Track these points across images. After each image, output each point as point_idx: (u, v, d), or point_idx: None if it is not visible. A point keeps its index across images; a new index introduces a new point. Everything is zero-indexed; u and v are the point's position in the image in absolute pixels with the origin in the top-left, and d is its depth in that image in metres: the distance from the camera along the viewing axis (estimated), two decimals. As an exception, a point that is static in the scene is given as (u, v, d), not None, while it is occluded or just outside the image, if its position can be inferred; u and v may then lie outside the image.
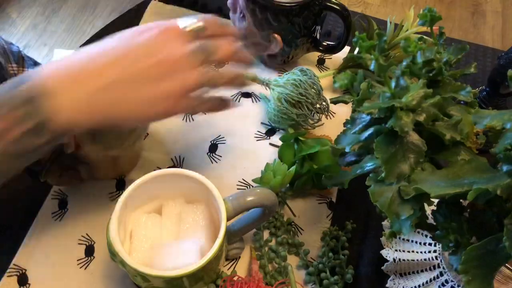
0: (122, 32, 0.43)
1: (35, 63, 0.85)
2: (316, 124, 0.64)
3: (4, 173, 0.40)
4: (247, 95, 0.69)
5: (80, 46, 0.74)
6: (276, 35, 0.63)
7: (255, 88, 0.70)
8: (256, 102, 0.68)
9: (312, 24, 0.65)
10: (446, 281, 0.52)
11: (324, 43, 0.69)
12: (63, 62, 0.41)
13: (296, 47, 0.67)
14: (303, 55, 0.72)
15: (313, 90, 0.62)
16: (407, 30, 0.66)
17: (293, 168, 0.56)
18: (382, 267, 0.54)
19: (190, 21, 0.44)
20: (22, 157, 0.40)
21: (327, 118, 0.67)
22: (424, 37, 0.57)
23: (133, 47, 0.42)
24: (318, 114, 0.64)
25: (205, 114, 0.50)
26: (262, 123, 0.66)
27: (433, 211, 0.41)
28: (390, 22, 0.67)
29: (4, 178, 0.41)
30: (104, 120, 0.41)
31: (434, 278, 0.52)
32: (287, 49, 0.66)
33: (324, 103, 0.63)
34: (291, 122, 0.62)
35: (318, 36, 0.68)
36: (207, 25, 0.44)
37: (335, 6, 0.63)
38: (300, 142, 0.60)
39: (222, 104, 0.49)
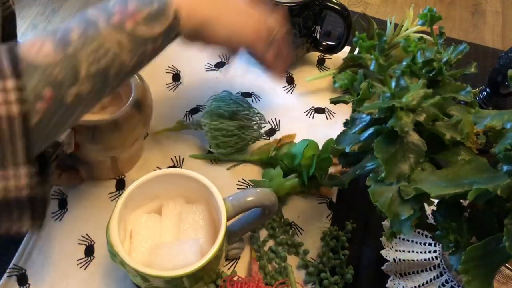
0: None
1: None
2: (262, 132, 0.61)
3: (133, 62, 0.43)
4: (247, 95, 0.69)
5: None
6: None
7: (255, 89, 0.70)
8: (257, 101, 0.68)
9: (312, 24, 0.65)
10: (446, 281, 0.52)
11: (324, 43, 0.69)
12: None
13: (297, 48, 0.67)
14: (304, 55, 0.71)
15: (243, 103, 0.60)
16: (407, 29, 0.66)
17: (289, 182, 0.57)
18: (382, 267, 0.54)
19: None
20: (144, 45, 0.43)
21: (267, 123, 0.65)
22: (424, 36, 0.57)
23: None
24: (259, 123, 0.61)
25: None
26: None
27: (433, 211, 0.41)
28: (390, 22, 0.67)
29: (137, 67, 0.44)
30: (208, 21, 0.47)
31: (434, 278, 0.52)
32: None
33: (258, 113, 0.61)
34: (232, 138, 0.59)
35: (318, 36, 0.68)
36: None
37: (335, 6, 0.63)
38: (280, 162, 0.59)
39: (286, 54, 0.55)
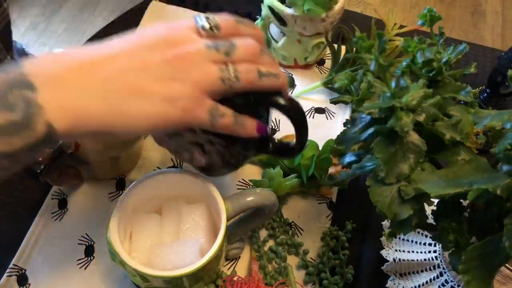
0: (130, 32, 0.38)
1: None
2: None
3: None
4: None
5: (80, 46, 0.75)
6: (197, 153, 0.44)
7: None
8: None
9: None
10: (446, 281, 0.52)
11: (269, 148, 0.47)
12: (61, 54, 0.35)
13: (244, 160, 0.47)
14: (253, 158, 0.60)
15: None
16: (388, 33, 0.67)
17: (289, 182, 0.57)
18: (382, 267, 0.54)
19: (204, 19, 0.39)
20: (7, 157, 0.32)
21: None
22: (420, 37, 0.57)
23: (147, 38, 0.37)
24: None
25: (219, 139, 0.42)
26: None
27: (433, 211, 0.41)
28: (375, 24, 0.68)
29: None
30: (103, 123, 0.34)
31: (434, 278, 0.52)
32: (216, 161, 0.44)
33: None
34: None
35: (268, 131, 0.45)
36: (223, 24, 0.39)
37: (281, 103, 0.42)
38: (280, 162, 0.58)
39: (239, 125, 0.40)
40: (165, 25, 0.38)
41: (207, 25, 0.38)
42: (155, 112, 0.35)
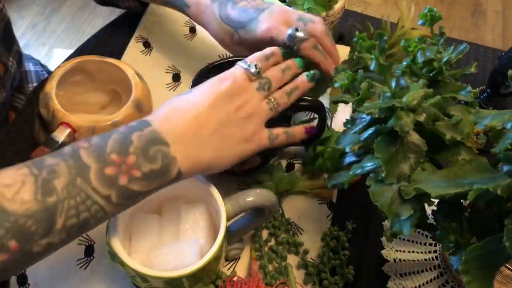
0: (204, 84, 0.48)
1: (33, 58, 0.85)
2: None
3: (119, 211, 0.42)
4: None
5: (80, 46, 0.75)
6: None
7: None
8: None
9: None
10: (446, 281, 0.52)
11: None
12: (178, 109, 0.45)
13: (274, 155, 0.61)
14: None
15: None
16: (402, 27, 0.66)
17: (290, 177, 0.57)
18: (383, 267, 0.54)
19: (253, 66, 0.49)
20: (134, 198, 0.41)
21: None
22: (426, 34, 0.57)
23: (222, 93, 0.47)
24: None
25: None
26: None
27: (433, 211, 0.41)
28: (385, 21, 0.67)
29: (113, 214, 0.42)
30: (209, 165, 0.45)
31: (434, 278, 0.52)
32: (264, 160, 0.58)
33: None
34: None
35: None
36: (263, 66, 0.50)
37: (305, 103, 0.55)
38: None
39: (291, 136, 0.53)
40: (226, 79, 0.48)
41: (255, 72, 0.49)
42: (241, 151, 0.47)
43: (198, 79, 0.57)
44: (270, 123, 0.52)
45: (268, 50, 0.52)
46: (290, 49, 0.53)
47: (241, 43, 0.57)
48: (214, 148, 0.45)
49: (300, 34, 0.53)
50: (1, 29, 0.68)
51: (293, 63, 0.53)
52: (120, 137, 0.41)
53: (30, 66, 0.82)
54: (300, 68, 0.53)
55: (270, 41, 0.54)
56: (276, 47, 0.53)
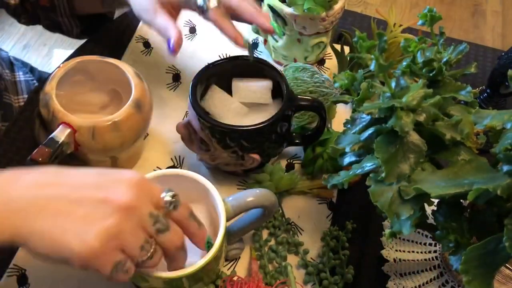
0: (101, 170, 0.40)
1: (23, 64, 0.85)
2: (335, 91, 0.62)
3: None
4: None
5: (80, 46, 0.75)
6: (253, 155, 0.55)
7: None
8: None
9: (286, 130, 0.58)
10: (447, 281, 0.52)
11: (297, 140, 0.61)
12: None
13: (274, 155, 0.61)
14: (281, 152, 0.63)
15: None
16: (391, 31, 0.66)
17: (289, 177, 0.57)
18: (382, 267, 0.54)
19: (169, 195, 0.40)
20: None
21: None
22: (410, 36, 0.57)
23: (93, 180, 0.38)
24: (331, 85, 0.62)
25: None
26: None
27: (433, 211, 0.41)
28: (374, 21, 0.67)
29: None
30: (13, 237, 0.35)
31: (434, 278, 0.52)
32: (264, 160, 0.58)
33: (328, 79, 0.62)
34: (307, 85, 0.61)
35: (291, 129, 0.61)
36: (179, 210, 0.41)
37: (306, 103, 0.56)
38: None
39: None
40: (136, 183, 0.38)
41: (168, 200, 0.40)
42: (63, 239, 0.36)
43: (198, 80, 0.57)
44: (271, 124, 0.53)
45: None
46: (200, 11, 0.55)
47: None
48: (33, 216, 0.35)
49: (211, 2, 0.54)
50: None
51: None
52: None
53: (20, 76, 0.80)
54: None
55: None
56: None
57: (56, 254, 0.36)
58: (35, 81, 0.81)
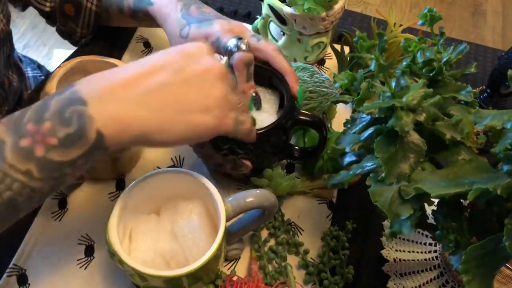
0: (166, 50, 0.43)
1: (31, 60, 0.85)
2: (336, 91, 0.61)
3: (45, 189, 0.37)
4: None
5: (80, 46, 0.75)
6: (244, 161, 0.54)
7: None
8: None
9: (284, 141, 0.56)
10: (446, 281, 0.52)
11: (296, 153, 0.59)
12: (108, 72, 0.40)
13: (269, 165, 0.58)
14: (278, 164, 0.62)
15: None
16: (391, 31, 0.67)
17: (288, 182, 0.57)
18: (383, 267, 0.54)
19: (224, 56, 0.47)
20: (59, 169, 0.36)
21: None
22: (410, 36, 0.57)
23: (180, 58, 0.41)
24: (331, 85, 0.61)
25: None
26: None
27: (433, 211, 0.41)
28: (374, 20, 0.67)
29: (43, 196, 0.38)
30: (146, 131, 0.39)
31: (434, 278, 0.52)
32: (258, 168, 0.56)
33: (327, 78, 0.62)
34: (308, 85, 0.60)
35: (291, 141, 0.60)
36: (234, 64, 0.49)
37: (307, 119, 0.54)
38: (308, 133, 0.61)
39: (251, 134, 0.48)
40: (208, 49, 0.43)
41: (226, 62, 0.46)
42: (195, 122, 0.40)
43: None
44: (264, 134, 0.51)
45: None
46: (226, 55, 0.50)
47: (186, 36, 0.57)
48: (155, 110, 0.38)
49: (242, 45, 0.50)
50: (8, 47, 0.69)
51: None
52: (40, 104, 0.37)
53: (28, 72, 0.81)
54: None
55: (213, 42, 0.53)
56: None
57: (188, 138, 0.41)
58: (43, 77, 0.82)
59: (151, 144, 0.40)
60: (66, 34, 0.71)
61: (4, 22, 0.65)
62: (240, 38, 0.50)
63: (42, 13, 0.70)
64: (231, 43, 0.50)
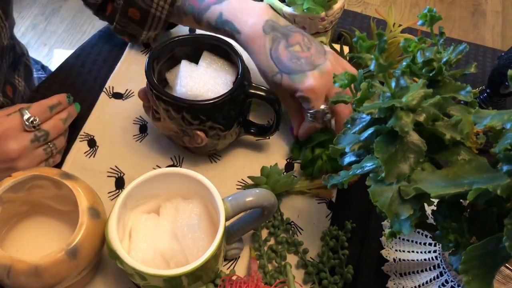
0: None
1: (35, 61, 0.86)
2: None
3: None
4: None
5: (80, 46, 0.75)
6: (198, 132, 0.55)
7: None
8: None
9: (237, 114, 0.58)
10: (446, 281, 0.52)
11: (252, 129, 0.61)
12: None
13: (224, 138, 0.59)
14: (236, 139, 0.62)
15: None
16: (390, 31, 0.66)
17: (286, 180, 0.57)
18: (382, 267, 0.54)
19: (27, 115, 0.54)
20: None
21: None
22: (410, 36, 0.57)
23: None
24: None
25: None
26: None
27: (433, 211, 0.41)
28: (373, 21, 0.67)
29: None
30: None
31: (434, 278, 0.52)
32: (214, 141, 0.58)
33: None
34: None
35: (248, 117, 0.62)
36: (36, 114, 0.55)
37: (260, 93, 0.57)
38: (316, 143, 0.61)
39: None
40: None
41: (30, 126, 0.54)
42: None
43: (160, 50, 0.57)
44: (214, 104, 0.53)
45: (54, 100, 0.58)
46: (311, 118, 0.58)
47: (279, 84, 0.57)
48: None
49: (328, 115, 0.57)
50: (11, 56, 0.69)
51: (73, 110, 0.61)
52: None
53: (33, 73, 0.81)
54: (77, 112, 0.62)
55: (303, 100, 0.57)
56: (64, 96, 0.60)
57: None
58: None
59: None
60: (125, 34, 0.70)
61: (8, 36, 0.65)
62: (326, 112, 0.57)
63: (86, 2, 0.70)
64: (310, 116, 0.58)
